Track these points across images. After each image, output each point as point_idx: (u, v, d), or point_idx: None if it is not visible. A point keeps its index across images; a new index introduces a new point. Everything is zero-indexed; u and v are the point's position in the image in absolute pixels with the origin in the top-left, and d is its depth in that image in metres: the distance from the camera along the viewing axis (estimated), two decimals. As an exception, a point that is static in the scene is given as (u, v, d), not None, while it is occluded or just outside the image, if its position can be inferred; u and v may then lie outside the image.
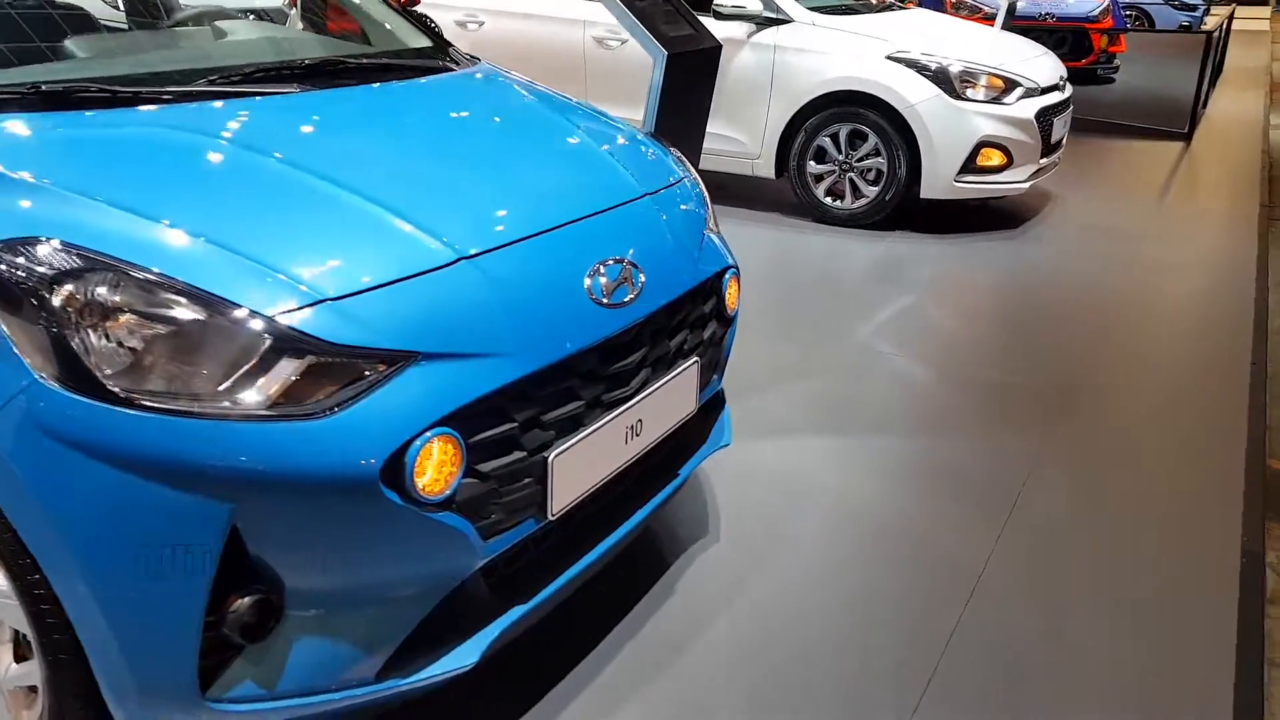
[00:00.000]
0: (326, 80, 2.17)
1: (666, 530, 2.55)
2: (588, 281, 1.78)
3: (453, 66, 2.52)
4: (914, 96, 5.08)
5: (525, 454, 1.64)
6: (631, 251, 1.91)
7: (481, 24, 6.11)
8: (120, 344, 1.35)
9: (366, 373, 1.45)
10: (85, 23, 2.26)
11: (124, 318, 1.36)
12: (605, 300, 1.80)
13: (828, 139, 5.33)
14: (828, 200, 5.44)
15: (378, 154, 1.87)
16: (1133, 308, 4.31)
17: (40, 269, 1.37)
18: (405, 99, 2.21)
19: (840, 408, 3.24)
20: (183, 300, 1.39)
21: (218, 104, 1.89)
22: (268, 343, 1.40)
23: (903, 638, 2.17)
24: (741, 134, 5.53)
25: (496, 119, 2.28)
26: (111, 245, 1.41)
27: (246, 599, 1.43)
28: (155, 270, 1.39)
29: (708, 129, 5.60)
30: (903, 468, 2.88)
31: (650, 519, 2.17)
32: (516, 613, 1.73)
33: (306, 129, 1.90)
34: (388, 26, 2.72)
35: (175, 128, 1.75)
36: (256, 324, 1.40)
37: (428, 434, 1.47)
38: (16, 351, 1.35)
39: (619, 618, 2.21)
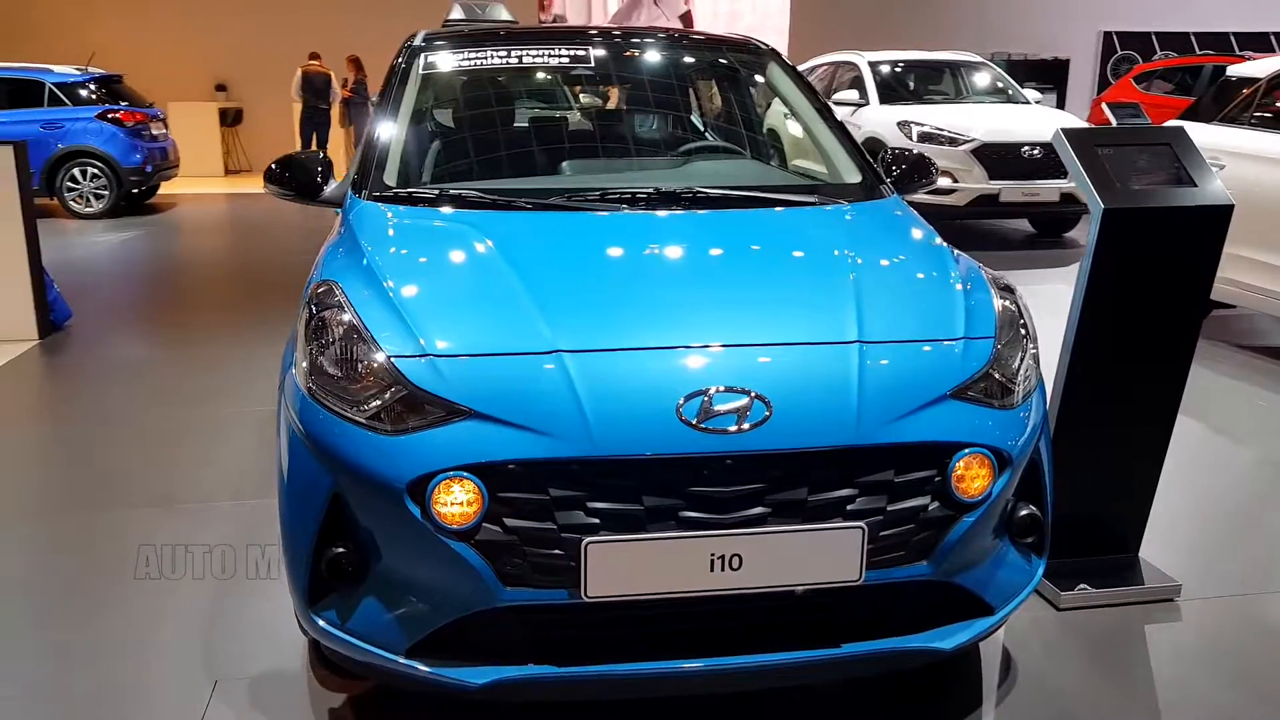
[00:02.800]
0: (675, 204, 2.70)
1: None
2: (683, 401, 1.99)
3: (840, 201, 2.79)
4: None
5: (555, 527, 1.96)
6: (767, 389, 2.01)
7: (1222, 167, 5.58)
8: (322, 355, 2.16)
9: (430, 412, 2.00)
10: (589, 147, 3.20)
11: (328, 335, 2.17)
12: (696, 422, 1.97)
13: None
14: None
15: (599, 264, 2.37)
16: None
17: (314, 300, 2.26)
18: (707, 225, 2.62)
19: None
20: (356, 332, 2.13)
21: (544, 213, 2.64)
22: (387, 376, 2.05)
23: None
24: None
25: (779, 252, 2.52)
26: (351, 293, 2.23)
27: (338, 550, 2.09)
28: (359, 316, 2.17)
29: None
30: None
31: (797, 678, 2.17)
32: (545, 670, 2.03)
33: (571, 238, 2.50)
34: (838, 165, 3.09)
35: (467, 224, 2.52)
36: (381, 358, 2.07)
37: (452, 472, 1.94)
38: (296, 344, 2.26)
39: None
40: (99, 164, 10.78)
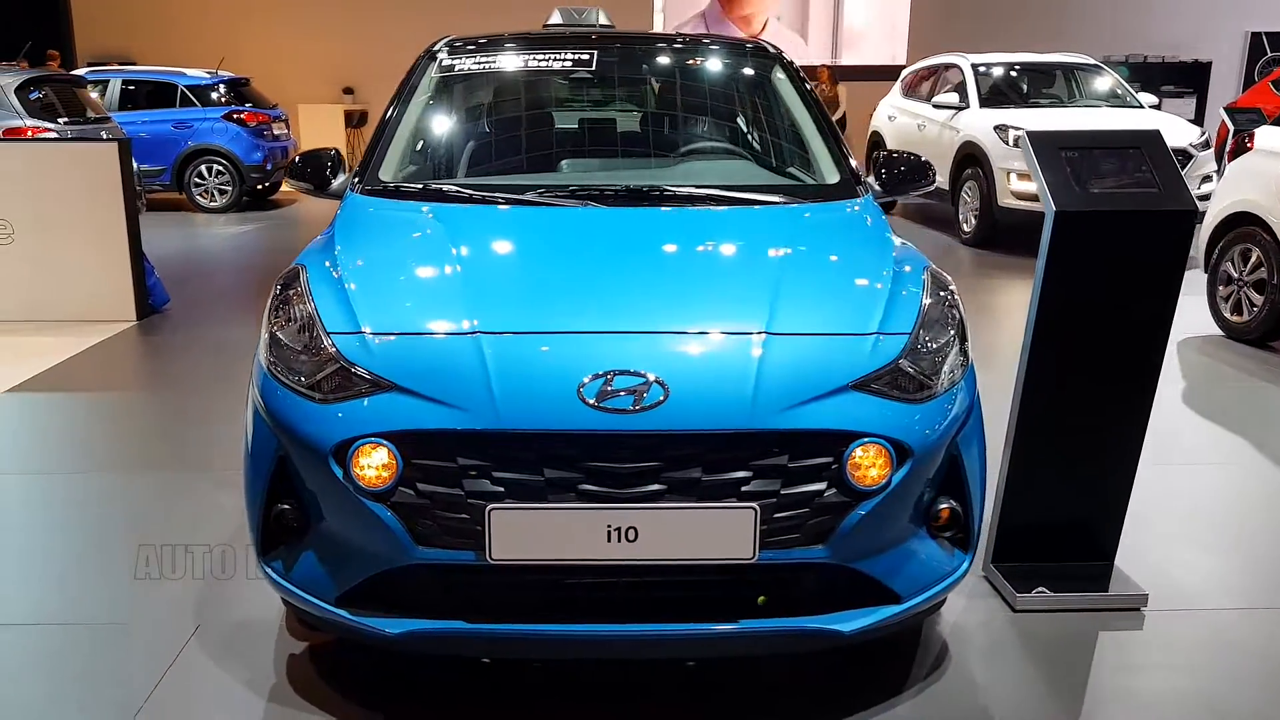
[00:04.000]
0: (643, 202, 2.89)
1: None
2: (585, 381, 2.16)
3: (800, 201, 2.91)
4: None
5: (462, 493, 2.16)
6: (666, 372, 2.17)
7: None
8: (278, 329, 2.43)
9: (357, 384, 2.23)
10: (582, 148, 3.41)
11: (286, 313, 2.44)
12: (595, 401, 2.15)
13: None
14: None
15: (539, 255, 2.59)
16: None
17: (280, 281, 2.54)
18: (657, 222, 2.80)
19: None
20: (309, 314, 2.39)
21: (512, 208, 2.87)
22: (325, 350, 2.30)
23: None
24: None
25: (716, 247, 2.67)
26: (313, 276, 2.49)
27: (283, 507, 2.35)
28: (312, 296, 2.42)
29: None
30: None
31: (695, 653, 2.33)
32: (455, 625, 2.23)
33: (524, 231, 2.73)
34: (821, 167, 3.20)
35: (435, 217, 2.75)
36: (326, 337, 2.32)
37: (369, 439, 2.17)
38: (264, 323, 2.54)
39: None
40: (223, 161, 11.62)
